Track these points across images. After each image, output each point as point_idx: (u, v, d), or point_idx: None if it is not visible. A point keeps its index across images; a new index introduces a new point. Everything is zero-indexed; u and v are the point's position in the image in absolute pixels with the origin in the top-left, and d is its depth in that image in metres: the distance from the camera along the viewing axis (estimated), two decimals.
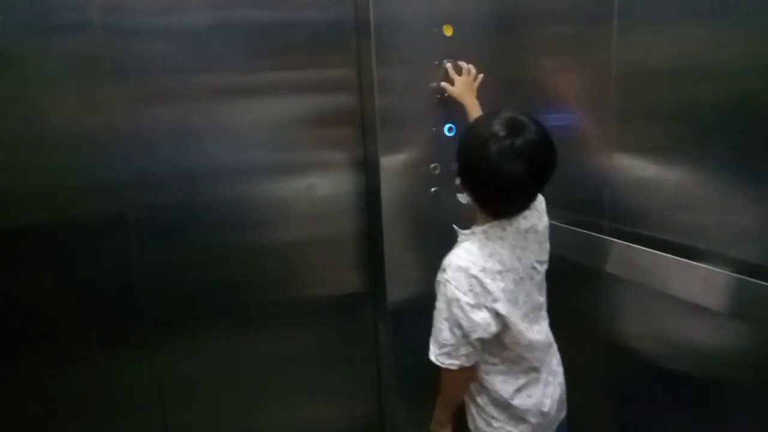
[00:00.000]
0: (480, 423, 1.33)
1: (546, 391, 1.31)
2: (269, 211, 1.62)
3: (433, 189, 1.59)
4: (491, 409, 1.30)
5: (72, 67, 1.39)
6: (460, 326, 1.17)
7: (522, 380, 1.28)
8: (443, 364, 1.22)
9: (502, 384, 1.28)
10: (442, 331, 1.20)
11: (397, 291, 1.67)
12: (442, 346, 1.21)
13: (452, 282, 1.17)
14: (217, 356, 1.67)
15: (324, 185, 1.65)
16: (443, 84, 1.52)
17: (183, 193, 1.53)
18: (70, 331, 1.51)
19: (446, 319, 1.19)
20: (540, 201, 1.30)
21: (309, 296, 1.74)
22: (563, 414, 1.39)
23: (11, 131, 1.38)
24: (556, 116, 1.51)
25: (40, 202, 1.43)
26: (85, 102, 1.41)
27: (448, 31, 1.52)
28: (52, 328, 1.49)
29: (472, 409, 1.35)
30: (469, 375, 1.28)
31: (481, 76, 1.53)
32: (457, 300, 1.16)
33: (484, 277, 1.16)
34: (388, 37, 1.50)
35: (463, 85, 1.51)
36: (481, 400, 1.31)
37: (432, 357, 1.23)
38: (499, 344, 1.24)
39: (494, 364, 1.27)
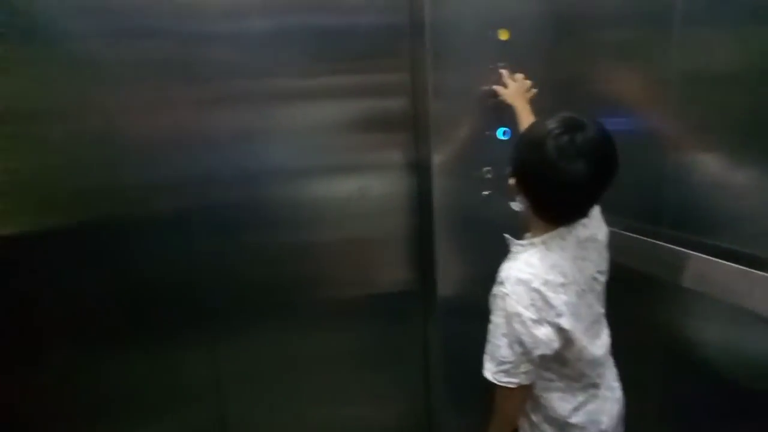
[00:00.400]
0: None
1: (604, 407, 1.24)
2: (323, 210, 1.67)
3: (485, 192, 1.60)
4: (546, 427, 1.24)
5: (144, 70, 1.47)
6: (521, 342, 1.11)
7: (580, 398, 1.22)
8: (500, 382, 1.15)
9: (560, 402, 1.21)
10: (499, 347, 1.13)
11: (447, 292, 1.69)
12: (500, 363, 1.14)
13: (512, 296, 1.11)
14: (271, 351, 1.73)
15: (376, 186, 1.69)
16: (496, 87, 1.52)
17: (243, 192, 1.59)
18: (136, 322, 1.59)
19: (505, 335, 1.12)
20: (596, 209, 1.23)
21: (359, 295, 1.77)
22: (621, 431, 1.32)
23: (86, 131, 1.47)
24: (615, 120, 1.48)
25: (111, 199, 1.52)
26: (156, 104, 1.49)
27: (503, 35, 1.53)
28: (119, 319, 1.58)
29: (526, 426, 1.28)
30: (526, 393, 1.21)
31: (534, 90, 1.51)
32: (519, 315, 1.10)
33: (547, 291, 1.10)
34: (443, 41, 1.52)
35: (516, 89, 1.49)
36: (536, 417, 1.25)
37: (488, 375, 1.16)
38: (560, 360, 1.17)
39: (551, 381, 1.21)
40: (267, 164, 1.60)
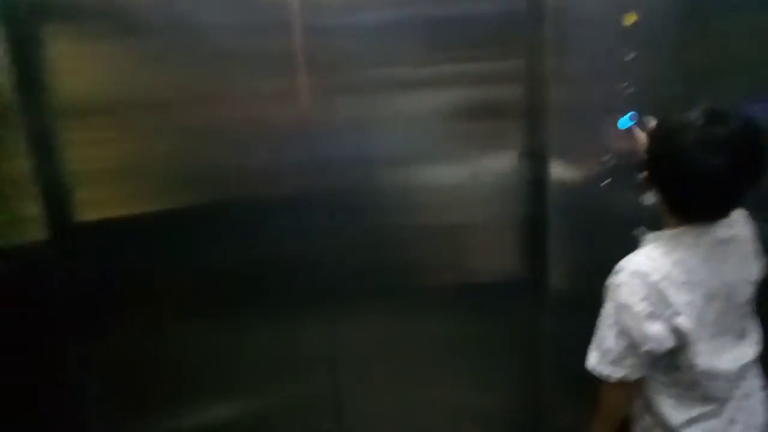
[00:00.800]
0: None
1: (729, 430, 1.14)
2: (435, 196, 1.69)
3: (604, 182, 1.55)
4: None
5: (271, 61, 1.56)
6: (628, 336, 1.07)
7: (696, 411, 1.13)
8: (600, 372, 1.13)
9: (672, 409, 1.14)
10: (606, 338, 1.11)
11: (559, 283, 1.67)
12: (604, 354, 1.11)
13: (625, 287, 1.07)
14: (384, 332, 1.79)
15: (488, 173, 1.68)
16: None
17: (360, 176, 1.65)
18: (259, 297, 1.70)
19: (612, 326, 1.09)
20: (740, 211, 1.14)
21: (469, 282, 1.78)
22: None
23: (217, 119, 1.57)
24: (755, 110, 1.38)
25: (237, 183, 1.62)
26: (281, 93, 1.58)
27: (629, 20, 1.46)
28: (245, 293, 1.70)
29: (638, 429, 1.23)
30: (630, 392, 1.16)
31: None
32: (629, 307, 1.06)
33: (667, 287, 1.04)
34: (563, 27, 1.49)
35: None
36: (646, 421, 1.20)
37: (591, 365, 1.14)
38: (672, 363, 1.11)
39: (664, 384, 1.15)
40: (382, 150, 1.65)
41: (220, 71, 1.55)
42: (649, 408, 1.18)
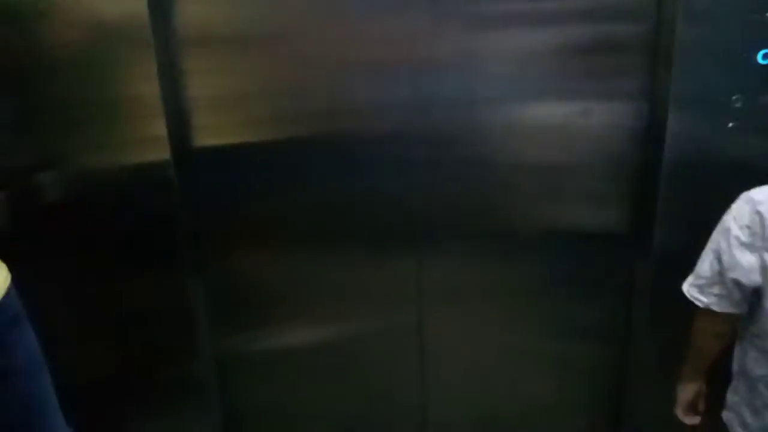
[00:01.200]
0: (730, 392, 1.22)
1: None
2: (543, 135, 1.65)
3: (730, 124, 1.44)
4: (739, 382, 1.18)
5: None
6: (720, 260, 1.08)
7: None
8: (691, 296, 1.16)
9: (754, 363, 1.13)
10: (703, 262, 1.14)
11: (665, 233, 1.60)
12: (697, 277, 1.15)
13: (734, 211, 1.08)
14: (472, 273, 1.80)
15: (599, 113, 1.61)
16: None
17: (466, 114, 1.63)
18: (356, 227, 1.75)
19: (712, 251, 1.12)
20: None
21: (566, 228, 1.75)
22: None
23: (328, 55, 1.59)
24: None
25: (344, 116, 1.64)
26: (391, 30, 1.56)
27: None
28: (342, 223, 1.75)
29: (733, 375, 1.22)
30: (714, 326, 1.16)
31: None
32: (728, 231, 1.07)
33: None
34: None
35: None
36: (734, 366, 1.20)
37: (684, 288, 1.18)
38: (757, 309, 1.08)
39: (752, 334, 1.12)
40: (490, 86, 1.62)
41: (335, 7, 1.57)
42: (737, 352, 1.19)
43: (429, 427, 1.98)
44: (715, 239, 1.11)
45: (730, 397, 1.23)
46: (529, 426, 1.98)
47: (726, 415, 1.25)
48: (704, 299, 1.13)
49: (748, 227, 1.04)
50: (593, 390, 1.94)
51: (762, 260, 1.03)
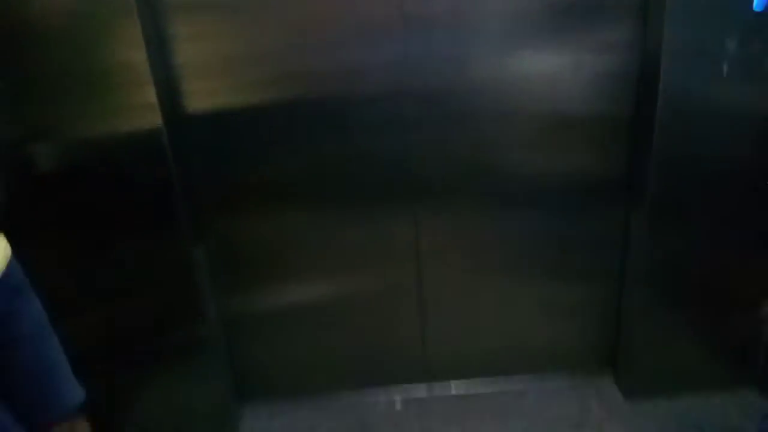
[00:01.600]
0: None
1: None
2: (534, 88, 1.64)
3: (724, 72, 1.43)
4: None
5: None
6: None
7: None
8: None
9: None
10: None
11: (660, 183, 1.61)
12: None
13: None
14: (469, 226, 1.83)
15: (593, 65, 1.60)
16: None
17: (453, 71, 1.62)
18: (351, 186, 1.77)
19: None
20: None
21: (560, 179, 1.76)
22: None
23: (317, 16, 1.57)
24: None
25: (334, 77, 1.63)
26: None
27: None
28: (337, 183, 1.77)
29: None
30: None
31: None
32: None
33: None
34: None
35: None
36: None
37: None
38: None
39: None
40: (480, 41, 1.60)
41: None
42: None
43: (431, 374, 2.05)
44: None
45: None
46: (528, 368, 2.05)
47: None
48: None
49: None
50: (589, 334, 2.01)
51: None
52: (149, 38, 1.47)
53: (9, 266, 0.92)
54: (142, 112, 1.52)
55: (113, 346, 1.75)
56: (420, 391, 2.06)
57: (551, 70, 1.62)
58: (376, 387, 2.05)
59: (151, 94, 1.50)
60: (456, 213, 1.81)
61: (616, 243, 1.83)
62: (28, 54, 1.45)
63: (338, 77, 1.63)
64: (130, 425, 1.87)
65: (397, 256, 1.86)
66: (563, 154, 1.72)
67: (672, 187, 1.62)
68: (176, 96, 1.61)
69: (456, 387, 2.07)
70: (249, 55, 1.60)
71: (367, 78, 1.64)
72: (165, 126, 1.54)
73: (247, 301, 1.91)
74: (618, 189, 1.75)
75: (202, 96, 1.63)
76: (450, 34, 1.59)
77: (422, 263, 1.87)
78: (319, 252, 1.84)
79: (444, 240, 1.84)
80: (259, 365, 2.01)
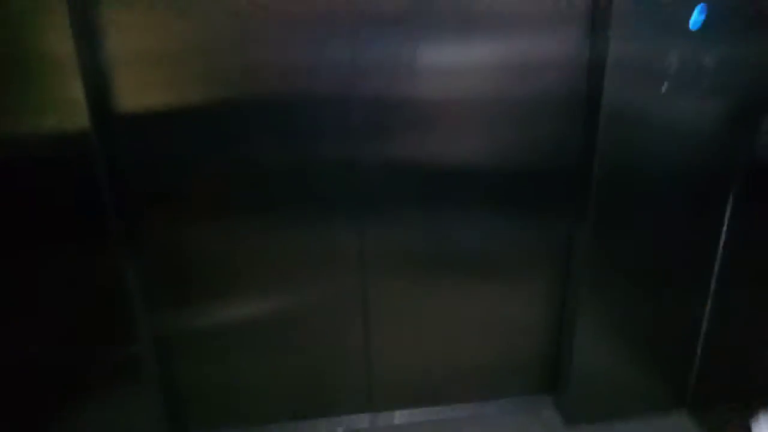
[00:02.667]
0: None
1: None
2: (479, 101, 1.64)
3: (664, 88, 1.50)
4: None
5: None
6: None
7: None
8: None
9: None
10: None
11: (603, 201, 1.64)
12: None
13: None
14: (415, 233, 1.78)
15: (538, 79, 1.62)
16: None
17: (400, 77, 1.59)
18: (295, 192, 1.67)
19: None
20: None
21: (506, 190, 1.75)
22: None
23: (259, 13, 1.49)
24: None
25: (275, 78, 1.55)
26: None
27: None
28: (279, 189, 1.66)
29: None
30: None
31: None
32: None
33: None
34: None
35: None
36: None
37: None
38: None
39: None
40: (427, 45, 1.58)
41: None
42: None
43: (374, 393, 1.97)
44: None
45: None
46: (470, 395, 2.01)
47: None
48: None
49: None
50: (530, 359, 1.99)
51: None
52: (78, 28, 1.36)
53: None
54: (68, 109, 1.38)
55: (35, 368, 1.57)
56: (363, 421, 1.97)
57: (497, 84, 1.63)
58: (318, 417, 1.95)
59: (78, 90, 1.38)
60: (401, 224, 1.76)
61: (560, 260, 1.84)
62: None
63: (281, 76, 1.55)
64: None
65: (341, 270, 1.78)
66: (510, 167, 1.72)
67: (615, 202, 1.65)
68: (106, 93, 1.47)
69: (399, 417, 1.99)
70: (186, 49, 1.50)
71: (312, 79, 1.57)
72: (93, 125, 1.41)
73: (183, 320, 1.75)
74: (563, 206, 1.77)
75: (134, 93, 1.50)
76: (401, 37, 1.56)
77: (367, 278, 1.80)
78: (259, 264, 1.73)
79: (389, 252, 1.78)
80: (195, 390, 1.85)
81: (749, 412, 1.66)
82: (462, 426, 1.95)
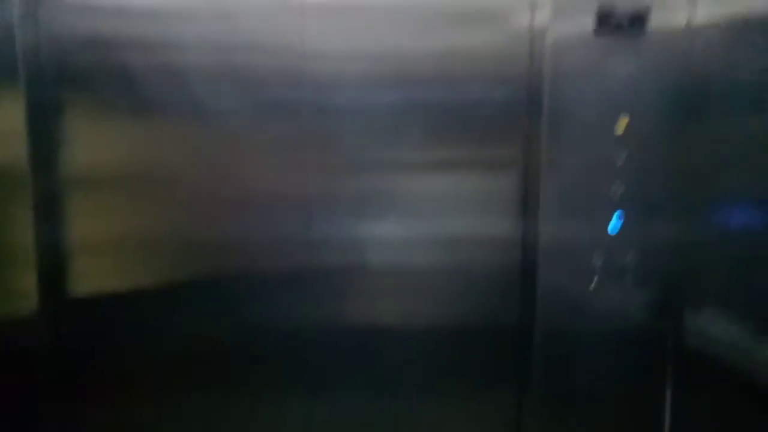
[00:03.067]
0: None
1: None
2: (419, 281, 1.68)
3: (592, 284, 1.54)
4: None
5: (276, 142, 1.58)
6: None
7: None
8: None
9: None
10: None
11: (545, 386, 1.64)
12: None
13: None
14: (366, 412, 1.75)
15: (477, 260, 1.66)
16: None
17: (356, 257, 1.65)
18: (247, 372, 1.69)
19: None
20: None
21: (451, 369, 1.74)
22: None
23: (219, 197, 1.58)
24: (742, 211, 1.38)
25: (234, 259, 1.62)
26: (284, 171, 1.59)
27: (622, 124, 1.49)
28: (233, 369, 1.68)
29: None
30: None
31: None
32: None
33: None
34: (560, 120, 1.51)
35: None
36: None
37: None
38: None
39: None
40: (379, 230, 1.65)
41: (226, 149, 1.58)
42: None
43: None
44: None
45: None
46: None
47: None
48: None
49: None
50: None
51: None
52: (40, 217, 1.44)
53: None
54: (19, 296, 1.44)
55: None
56: None
57: (442, 260, 1.67)
58: None
59: (30, 278, 1.44)
60: (347, 396, 1.75)
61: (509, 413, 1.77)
62: None
63: (233, 257, 1.62)
64: None
65: None
66: (456, 349, 1.72)
67: (553, 382, 1.65)
68: (63, 278, 1.54)
69: None
70: (145, 234, 1.58)
71: (265, 259, 1.63)
72: (45, 311, 1.46)
73: None
74: (507, 385, 1.74)
75: (91, 277, 1.57)
76: (352, 219, 1.63)
77: None
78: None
79: (335, 423, 1.75)
80: None
81: None
82: None
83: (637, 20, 1.47)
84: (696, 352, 1.59)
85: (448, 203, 1.65)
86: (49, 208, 1.49)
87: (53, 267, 1.52)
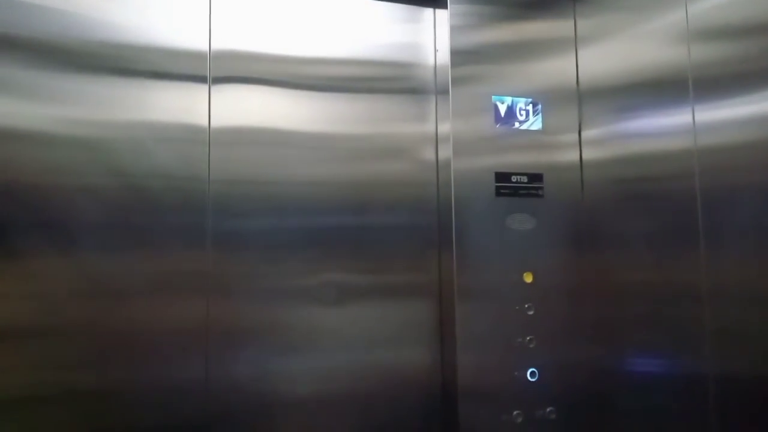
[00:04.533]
0: None
1: None
2: (340, 410, 1.58)
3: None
4: None
5: (176, 279, 1.47)
6: None
7: None
8: None
9: None
10: None
11: None
12: None
13: None
14: None
15: (399, 390, 1.58)
16: None
17: (266, 391, 1.53)
18: None
19: None
20: None
21: None
22: None
23: (115, 342, 1.42)
24: (648, 361, 1.38)
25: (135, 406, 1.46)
26: (183, 307, 1.48)
27: (528, 278, 1.52)
28: None
29: None
30: None
31: None
32: None
33: None
34: (468, 247, 1.51)
35: None
36: None
37: None
38: None
39: None
40: (292, 361, 1.55)
41: (121, 290, 1.45)
42: None
43: None
44: None
45: None
46: None
47: None
48: None
49: None
50: None
51: None
52: None
53: None
54: None
55: None
56: None
57: (364, 392, 1.58)
58: None
59: None
60: None
61: None
62: None
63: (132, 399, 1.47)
64: None
65: None
66: None
67: None
68: None
69: None
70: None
71: (166, 401, 1.48)
72: None
73: None
74: None
75: None
76: (256, 352, 1.52)
77: None
78: None
79: None
80: None
81: None
82: None
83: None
84: None
85: (362, 333, 1.57)
86: None
87: None
